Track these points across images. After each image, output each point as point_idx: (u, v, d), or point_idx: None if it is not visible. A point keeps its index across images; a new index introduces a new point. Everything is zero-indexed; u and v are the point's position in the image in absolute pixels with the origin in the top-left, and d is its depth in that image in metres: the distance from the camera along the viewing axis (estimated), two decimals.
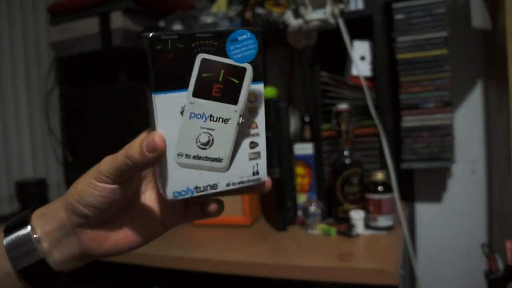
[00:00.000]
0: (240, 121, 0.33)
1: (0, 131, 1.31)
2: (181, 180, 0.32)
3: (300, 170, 1.17)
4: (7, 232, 0.36)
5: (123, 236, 0.36)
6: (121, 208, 0.36)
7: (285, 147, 1.09)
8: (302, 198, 1.17)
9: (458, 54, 1.23)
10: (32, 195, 1.32)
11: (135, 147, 0.31)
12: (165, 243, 1.03)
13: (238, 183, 0.34)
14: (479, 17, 1.03)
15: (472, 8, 1.02)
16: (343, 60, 1.20)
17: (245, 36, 0.32)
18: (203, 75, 0.31)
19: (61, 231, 0.35)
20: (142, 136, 0.32)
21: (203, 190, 0.33)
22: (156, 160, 0.31)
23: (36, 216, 0.37)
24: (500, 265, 0.88)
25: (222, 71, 0.32)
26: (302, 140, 1.21)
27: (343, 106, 1.06)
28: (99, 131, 1.35)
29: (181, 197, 0.33)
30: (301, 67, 1.40)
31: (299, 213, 1.13)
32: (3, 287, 0.36)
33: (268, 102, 1.08)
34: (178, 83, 0.31)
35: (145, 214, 0.37)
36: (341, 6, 1.07)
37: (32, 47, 1.43)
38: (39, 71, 1.46)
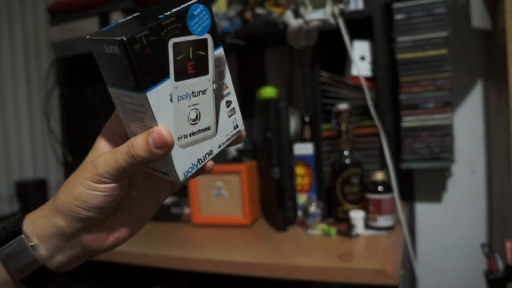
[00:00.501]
0: (214, 87, 0.35)
1: (0, 132, 1.31)
2: (186, 159, 0.35)
3: (300, 170, 1.17)
4: (0, 242, 0.34)
5: (124, 225, 0.37)
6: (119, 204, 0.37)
7: (285, 147, 1.09)
8: (302, 198, 1.17)
9: (458, 54, 1.23)
10: (32, 195, 1.32)
11: (140, 146, 0.32)
12: (165, 243, 1.03)
13: (226, 141, 0.38)
14: (479, 17, 1.03)
15: (472, 8, 1.02)
16: (343, 60, 1.20)
17: (199, 10, 0.34)
18: (178, 58, 0.33)
19: (60, 237, 0.34)
20: (144, 134, 0.32)
21: (204, 159, 0.36)
22: (165, 155, 0.32)
23: (27, 223, 0.35)
24: (500, 265, 0.88)
25: (190, 48, 0.34)
26: (302, 140, 1.21)
27: (343, 106, 1.06)
28: (99, 131, 1.35)
29: (190, 175, 0.35)
30: (301, 67, 1.40)
31: (299, 213, 1.13)
32: None
33: (268, 102, 1.08)
34: (161, 74, 0.32)
35: (139, 197, 0.38)
36: (341, 6, 1.07)
37: (32, 47, 1.43)
38: (39, 71, 1.46)
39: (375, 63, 1.10)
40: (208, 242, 1.03)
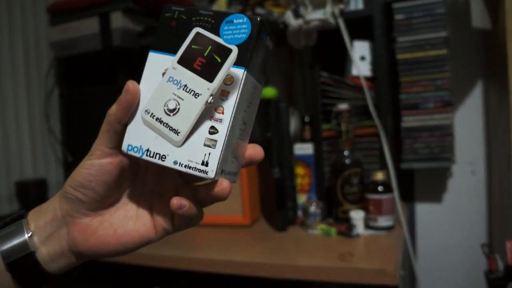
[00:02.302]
0: (209, 101, 0.32)
1: (0, 131, 1.31)
2: (139, 136, 0.33)
3: (300, 170, 1.17)
4: (2, 226, 0.36)
5: (112, 233, 0.36)
6: (115, 205, 0.37)
7: (285, 147, 1.09)
8: (302, 198, 1.17)
9: (458, 54, 1.23)
10: (32, 195, 1.32)
11: (114, 104, 0.34)
12: (165, 243, 1.03)
13: (185, 165, 0.32)
14: (479, 17, 1.03)
15: (472, 8, 1.02)
16: (343, 60, 1.20)
17: (240, 20, 0.33)
18: (193, 46, 0.33)
19: (53, 223, 0.36)
20: None
21: (152, 156, 0.33)
22: (129, 103, 0.33)
23: (33, 212, 0.37)
24: (500, 265, 0.88)
25: (210, 47, 0.33)
26: (302, 140, 1.21)
27: (343, 106, 1.06)
28: (99, 131, 1.35)
29: (132, 153, 0.34)
30: (301, 67, 1.40)
31: (299, 213, 1.13)
32: None
33: (268, 102, 1.08)
34: (172, 48, 0.34)
35: (137, 218, 0.37)
36: (341, 6, 1.07)
37: (32, 47, 1.43)
38: (39, 71, 1.46)
39: (375, 63, 1.10)
40: (208, 242, 1.03)
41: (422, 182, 1.31)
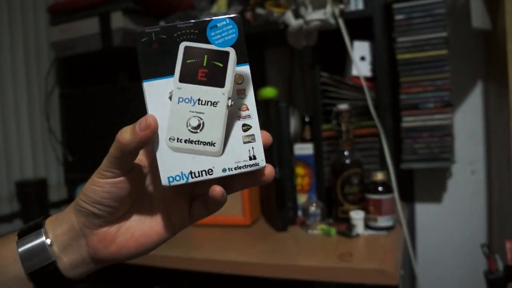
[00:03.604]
0: (230, 104, 0.33)
1: (0, 131, 1.31)
2: (174, 164, 0.33)
3: (300, 170, 1.17)
4: (21, 235, 0.36)
5: (130, 237, 0.36)
6: (129, 210, 0.37)
7: (285, 147, 1.09)
8: (302, 198, 1.17)
9: (458, 54, 1.23)
10: (32, 195, 1.31)
11: (127, 130, 0.32)
12: (165, 243, 1.03)
13: (235, 168, 0.33)
14: (479, 18, 1.03)
15: (472, 9, 1.02)
16: (343, 60, 1.20)
17: (224, 23, 0.33)
18: (188, 61, 0.33)
19: (71, 233, 0.36)
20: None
21: (198, 176, 0.33)
22: (148, 139, 0.32)
23: (49, 220, 0.38)
24: (500, 265, 0.88)
25: (206, 56, 0.33)
26: (302, 140, 1.21)
27: (343, 106, 1.06)
28: (99, 131, 1.35)
29: (176, 183, 0.33)
30: (301, 67, 1.40)
31: (299, 213, 1.13)
32: None
33: (268, 102, 1.08)
34: (164, 71, 0.33)
35: (152, 216, 0.37)
36: (341, 6, 1.07)
37: (32, 47, 1.43)
38: (39, 71, 1.46)
39: (375, 64, 1.10)
40: (208, 242, 1.03)
41: (422, 182, 1.31)
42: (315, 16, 1.05)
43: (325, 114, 1.15)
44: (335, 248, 0.91)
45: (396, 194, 1.02)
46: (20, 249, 0.35)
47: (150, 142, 0.33)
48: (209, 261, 0.91)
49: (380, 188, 0.99)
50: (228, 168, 0.33)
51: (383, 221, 0.98)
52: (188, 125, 0.33)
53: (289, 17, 1.09)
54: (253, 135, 0.34)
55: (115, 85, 1.43)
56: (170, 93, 0.33)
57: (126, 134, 0.32)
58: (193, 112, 0.33)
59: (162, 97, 0.33)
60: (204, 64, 0.33)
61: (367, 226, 1.00)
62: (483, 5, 1.05)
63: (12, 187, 1.33)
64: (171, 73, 0.33)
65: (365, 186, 1.04)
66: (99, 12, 1.29)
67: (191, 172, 0.33)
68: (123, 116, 1.27)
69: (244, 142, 0.33)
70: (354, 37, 1.11)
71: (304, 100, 1.40)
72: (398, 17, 1.09)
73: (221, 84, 0.33)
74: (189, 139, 0.33)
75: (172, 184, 0.33)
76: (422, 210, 1.32)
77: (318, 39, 1.10)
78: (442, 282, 1.30)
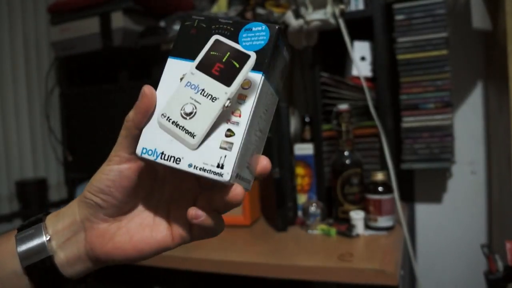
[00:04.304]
0: (226, 104, 0.32)
1: (0, 131, 1.31)
2: (154, 139, 0.33)
3: (300, 170, 1.17)
4: (21, 229, 0.37)
5: (128, 240, 0.36)
6: (131, 212, 0.37)
7: (285, 147, 1.09)
8: (302, 198, 1.17)
9: (458, 54, 1.23)
10: (32, 195, 1.32)
11: (132, 110, 0.34)
12: None
13: (200, 168, 0.32)
14: (479, 18, 1.03)
15: (472, 9, 1.02)
16: (343, 60, 1.20)
17: (259, 28, 0.34)
18: (211, 53, 0.34)
19: (72, 227, 0.36)
20: None
21: (166, 159, 0.33)
22: (146, 107, 0.33)
23: (51, 216, 0.38)
24: (500, 265, 0.88)
25: (228, 53, 0.34)
26: (302, 140, 1.21)
27: (343, 106, 1.06)
28: (99, 131, 1.35)
29: (147, 156, 0.33)
30: (302, 67, 1.40)
31: (299, 213, 1.13)
32: (11, 286, 0.35)
33: None
34: (190, 54, 0.34)
35: (153, 225, 0.37)
36: (342, 6, 1.07)
37: (33, 47, 1.43)
38: (39, 71, 1.46)
39: (376, 64, 1.10)
40: (208, 242, 1.03)
41: (422, 182, 1.31)
42: (315, 16, 1.05)
43: (325, 114, 1.15)
44: (335, 248, 0.91)
45: (396, 194, 1.02)
46: (18, 243, 0.36)
47: (150, 110, 0.34)
48: (209, 261, 0.91)
49: (380, 188, 0.99)
50: (194, 166, 0.32)
51: (383, 221, 0.98)
52: (183, 109, 0.33)
53: (290, 17, 1.09)
54: (232, 144, 0.32)
55: (115, 85, 1.43)
56: (183, 75, 0.34)
57: (130, 112, 0.34)
58: (192, 99, 0.33)
59: (176, 76, 0.34)
60: (223, 60, 0.34)
61: (367, 226, 1.00)
62: (483, 5, 1.05)
63: (12, 187, 1.33)
64: (194, 58, 0.34)
65: (365, 186, 1.04)
66: (99, 12, 1.29)
67: (162, 153, 0.33)
68: (123, 115, 1.27)
69: (220, 147, 0.32)
70: (354, 37, 1.11)
71: (304, 100, 1.40)
72: (399, 17, 1.09)
73: (228, 83, 0.33)
74: (177, 122, 0.33)
75: (143, 155, 0.33)
76: (422, 210, 1.32)
77: (318, 39, 1.10)
78: (442, 282, 1.30)
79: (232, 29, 0.34)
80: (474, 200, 1.26)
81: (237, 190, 0.32)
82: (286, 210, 1.08)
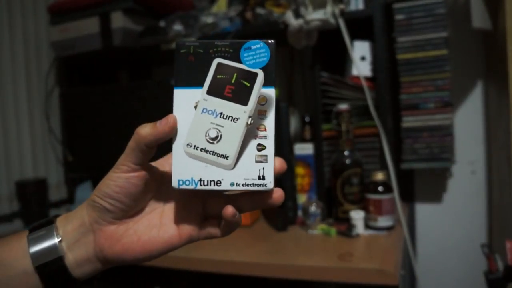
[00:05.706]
0: (249, 122, 0.34)
1: (0, 131, 1.31)
2: (187, 169, 0.34)
3: (300, 170, 1.17)
4: (32, 230, 0.38)
5: (136, 240, 0.37)
6: (139, 214, 0.38)
7: (285, 147, 1.09)
8: (302, 198, 1.17)
9: (458, 54, 1.23)
10: (32, 195, 1.31)
11: (147, 125, 0.34)
12: None
13: (243, 184, 0.34)
14: (479, 18, 1.03)
15: (472, 9, 1.02)
16: (343, 60, 1.20)
17: (258, 46, 0.35)
18: (218, 76, 0.35)
19: (81, 229, 0.37)
20: None
21: (207, 184, 0.34)
22: (165, 135, 0.34)
23: (60, 218, 0.39)
24: (500, 265, 0.88)
25: (235, 74, 0.35)
26: (302, 140, 1.21)
27: (343, 106, 1.06)
28: (99, 131, 1.35)
29: (185, 186, 0.34)
30: (301, 67, 1.40)
31: (299, 213, 1.13)
32: (21, 285, 0.36)
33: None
34: (196, 81, 0.35)
35: (161, 225, 0.38)
36: (342, 6, 1.07)
37: (33, 47, 1.43)
38: (39, 71, 1.46)
39: (376, 63, 1.10)
40: (208, 242, 1.03)
41: (422, 182, 1.31)
42: (315, 16, 1.05)
43: (325, 114, 1.15)
44: (335, 248, 0.91)
45: (396, 194, 1.02)
46: (30, 244, 0.36)
47: (166, 138, 0.34)
48: (209, 261, 0.91)
49: (380, 188, 0.99)
50: (236, 183, 0.34)
51: (383, 221, 0.98)
52: (207, 135, 0.34)
53: (289, 17, 1.09)
54: (266, 156, 0.35)
55: (115, 85, 1.43)
56: (196, 102, 0.35)
57: (146, 128, 0.34)
58: (214, 124, 0.34)
59: (188, 105, 0.35)
60: (232, 81, 0.35)
61: (367, 226, 1.00)
62: (483, 5, 1.05)
63: (12, 187, 1.33)
64: (201, 84, 0.35)
65: (365, 186, 1.04)
66: (99, 11, 1.29)
67: (200, 180, 0.34)
68: (123, 115, 1.27)
69: (256, 161, 0.35)
70: (354, 37, 1.11)
71: (304, 100, 1.40)
72: (398, 17, 1.09)
73: (244, 102, 0.34)
74: (205, 148, 0.34)
75: (181, 187, 0.34)
76: (422, 210, 1.32)
77: (318, 39, 1.10)
78: (442, 282, 1.30)
79: (231, 50, 0.35)
80: (474, 200, 1.26)
81: (279, 193, 0.35)
82: (286, 210, 1.08)
